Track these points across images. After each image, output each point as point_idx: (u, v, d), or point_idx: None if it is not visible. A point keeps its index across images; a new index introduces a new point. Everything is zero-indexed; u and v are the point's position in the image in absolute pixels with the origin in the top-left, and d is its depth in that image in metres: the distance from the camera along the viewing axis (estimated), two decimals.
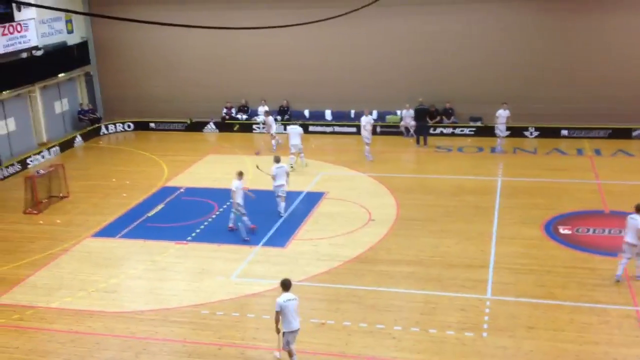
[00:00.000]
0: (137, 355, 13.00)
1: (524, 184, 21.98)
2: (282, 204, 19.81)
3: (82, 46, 30.82)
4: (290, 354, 12.16)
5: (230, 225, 18.85)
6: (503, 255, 16.68)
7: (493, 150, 25.65)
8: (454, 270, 16.00)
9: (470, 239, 17.73)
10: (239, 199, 18.00)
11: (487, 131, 27.61)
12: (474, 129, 28.07)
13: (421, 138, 27.01)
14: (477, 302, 14.51)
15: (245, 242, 17.89)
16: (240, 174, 18.31)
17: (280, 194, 19.76)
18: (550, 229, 18.19)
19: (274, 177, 19.61)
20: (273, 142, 26.23)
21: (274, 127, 26.45)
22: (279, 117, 30.03)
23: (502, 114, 25.45)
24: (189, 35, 29.59)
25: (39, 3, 25.85)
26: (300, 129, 24.30)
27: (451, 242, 17.59)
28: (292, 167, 23.78)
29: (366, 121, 24.80)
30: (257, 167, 21.10)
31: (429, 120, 28.11)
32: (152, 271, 16.65)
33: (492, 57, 27.86)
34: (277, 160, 20.08)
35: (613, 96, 26.77)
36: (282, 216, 19.69)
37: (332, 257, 16.99)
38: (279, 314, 11.84)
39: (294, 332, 12.00)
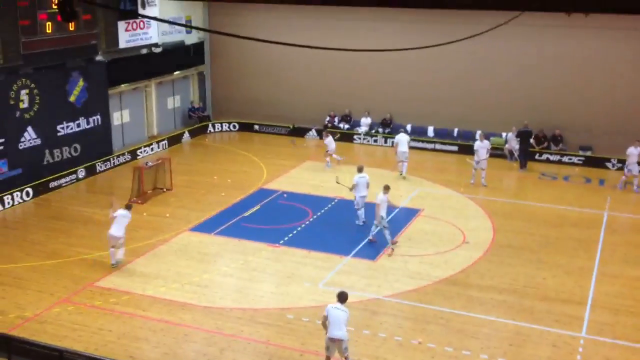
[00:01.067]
0: (222, 351, 13.30)
1: (631, 220, 20.86)
2: (361, 212, 19.96)
3: (198, 46, 32.04)
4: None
5: (371, 237, 18.75)
6: (603, 294, 15.88)
7: (620, 186, 23.99)
8: (548, 304, 15.38)
9: (568, 273, 17.00)
10: (382, 212, 18.10)
11: (596, 161, 26.47)
12: (582, 159, 26.93)
13: (521, 162, 26.30)
14: (571, 339, 13.88)
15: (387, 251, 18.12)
16: (386, 188, 18.43)
17: (360, 206, 19.85)
18: None
19: (353, 187, 19.69)
20: (327, 159, 25.90)
21: (333, 147, 25.92)
22: (380, 130, 30.04)
23: (634, 152, 23.49)
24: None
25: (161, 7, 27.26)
26: (408, 137, 25.01)
27: (548, 274, 16.92)
28: (403, 176, 24.62)
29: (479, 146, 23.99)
30: (337, 180, 20.92)
31: (535, 144, 27.28)
32: (244, 270, 17.02)
33: (610, 87, 26.64)
34: (360, 169, 20.07)
35: None
36: (361, 224, 19.79)
37: (422, 275, 16.76)
38: (325, 319, 12.05)
39: (332, 340, 12.00)
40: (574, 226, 20.27)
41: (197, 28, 32.13)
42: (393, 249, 18.03)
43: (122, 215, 16.88)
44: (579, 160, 26.94)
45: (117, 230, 16.73)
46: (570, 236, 19.48)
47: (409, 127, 29.96)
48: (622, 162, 25.57)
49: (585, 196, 23.28)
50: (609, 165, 26.48)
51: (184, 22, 30.73)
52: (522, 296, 15.74)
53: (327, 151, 26.04)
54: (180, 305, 15.11)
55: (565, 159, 27.08)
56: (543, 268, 17.27)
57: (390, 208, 19.38)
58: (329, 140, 26.12)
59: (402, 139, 24.70)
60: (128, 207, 17.38)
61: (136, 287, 15.99)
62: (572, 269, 17.22)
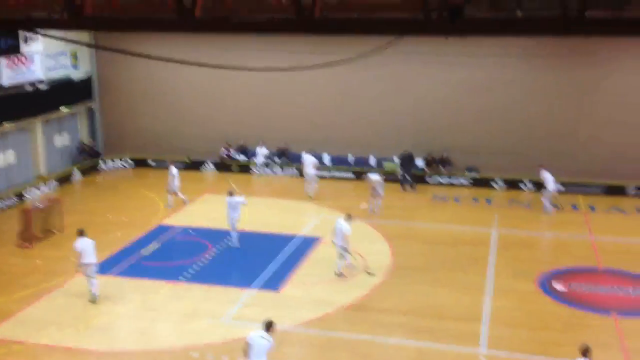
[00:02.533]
0: None
1: (519, 236, 22.04)
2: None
3: (86, 81, 31.14)
4: None
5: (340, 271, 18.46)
6: (498, 309, 16.63)
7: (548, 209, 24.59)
8: (447, 322, 15.93)
9: (464, 290, 17.70)
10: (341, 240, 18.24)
11: (482, 182, 27.90)
12: (471, 180, 28.25)
13: (406, 185, 27.49)
14: (471, 356, 14.41)
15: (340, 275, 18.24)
16: (348, 216, 18.55)
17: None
18: (545, 284, 18.18)
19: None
20: (170, 197, 25.00)
21: (176, 183, 24.88)
22: (277, 159, 30.26)
23: (547, 176, 24.63)
24: (190, 74, 29.82)
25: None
26: (312, 159, 26.11)
27: (444, 292, 17.55)
28: (309, 196, 25.63)
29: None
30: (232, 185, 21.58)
31: (425, 167, 28.49)
32: (144, 310, 16.53)
33: (492, 109, 28.20)
34: (230, 194, 20.79)
35: (609, 153, 27.08)
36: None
37: (327, 302, 16.92)
38: (247, 346, 11.91)
39: None
40: (466, 244, 21.18)
41: (89, 46, 31.18)
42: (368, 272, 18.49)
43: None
44: (467, 181, 28.23)
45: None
46: (463, 254, 20.32)
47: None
48: (507, 182, 27.30)
49: (475, 215, 24.40)
50: (494, 185, 27.92)
51: (69, 58, 29.85)
52: (422, 316, 16.21)
53: (169, 188, 24.73)
54: (79, 352, 14.45)
55: (454, 180, 28.31)
56: (440, 286, 17.89)
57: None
58: (175, 173, 24.67)
59: (305, 161, 26.14)
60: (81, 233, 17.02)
61: (29, 335, 15.14)
62: (467, 286, 17.94)
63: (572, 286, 18.03)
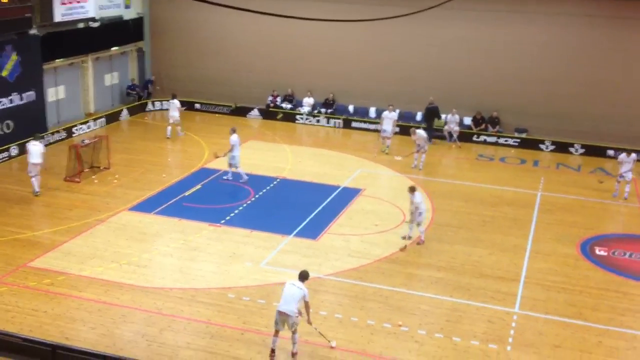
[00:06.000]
0: (161, 331, 13.18)
1: (564, 200, 21.60)
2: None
3: (138, 22, 31.28)
4: (276, 334, 12.30)
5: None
6: (536, 271, 16.43)
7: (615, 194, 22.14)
8: (484, 281, 15.82)
9: (504, 251, 17.50)
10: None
11: (530, 143, 27.32)
12: (518, 140, 27.66)
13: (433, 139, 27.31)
14: (505, 315, 14.32)
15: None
16: (412, 189, 17.51)
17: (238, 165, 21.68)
18: (587, 248, 17.84)
19: (231, 149, 21.40)
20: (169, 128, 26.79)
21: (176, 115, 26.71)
22: (323, 110, 30.11)
23: (625, 159, 21.71)
24: (242, 20, 29.72)
25: None
26: (392, 114, 26.02)
27: (484, 252, 17.38)
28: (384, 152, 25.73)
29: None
30: (217, 155, 22.36)
31: (473, 126, 28.02)
32: (184, 250, 16.85)
33: (544, 71, 27.39)
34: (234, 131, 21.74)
35: None
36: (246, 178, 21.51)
37: (363, 254, 16.96)
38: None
39: (280, 313, 12.10)
40: (509, 205, 20.85)
41: None
42: (406, 246, 17.53)
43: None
44: (514, 142, 27.67)
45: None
46: (505, 215, 20.04)
47: (351, 108, 30.15)
48: (556, 143, 26.68)
49: (520, 177, 23.95)
50: (542, 147, 27.30)
51: (121, 1, 29.95)
52: (459, 273, 16.13)
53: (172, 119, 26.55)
54: (118, 286, 14.87)
55: (501, 140, 27.77)
56: (479, 246, 17.73)
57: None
58: (178, 104, 26.69)
59: (385, 116, 25.95)
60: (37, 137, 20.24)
61: (72, 267, 15.63)
62: (507, 247, 17.73)
63: (614, 252, 17.66)
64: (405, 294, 15.05)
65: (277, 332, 12.31)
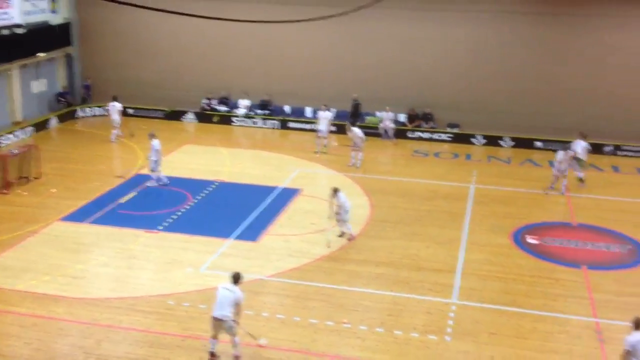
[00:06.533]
0: (99, 342, 12.92)
1: (496, 192, 22.22)
2: None
3: (65, 27, 30.46)
4: (214, 336, 12.25)
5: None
6: (471, 262, 16.86)
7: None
8: (422, 274, 16.14)
9: (440, 244, 17.90)
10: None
11: (463, 138, 27.97)
12: (451, 135, 28.30)
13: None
14: (443, 306, 14.66)
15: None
16: (335, 191, 17.55)
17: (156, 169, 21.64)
18: (519, 237, 18.42)
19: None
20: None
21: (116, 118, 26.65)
22: (259, 111, 30.06)
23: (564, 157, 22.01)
24: (174, 22, 29.28)
25: None
26: (330, 114, 26.21)
27: (422, 246, 17.73)
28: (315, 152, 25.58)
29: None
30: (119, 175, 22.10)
31: (407, 122, 28.50)
32: (121, 259, 16.55)
33: (474, 66, 28.11)
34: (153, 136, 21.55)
35: (589, 111, 27.19)
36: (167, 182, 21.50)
37: (303, 253, 17.04)
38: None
39: (213, 318, 12.05)
40: (444, 199, 21.33)
41: None
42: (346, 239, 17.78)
43: None
44: (447, 137, 28.30)
45: None
46: (441, 209, 20.48)
47: (287, 109, 30.20)
48: (487, 137, 27.49)
49: (454, 171, 24.53)
50: (474, 141, 28.02)
51: (47, 3, 29.13)
52: (398, 268, 16.41)
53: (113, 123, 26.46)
54: (53, 299, 14.48)
55: (435, 136, 28.35)
56: (417, 240, 18.08)
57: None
58: (119, 107, 26.56)
59: (320, 116, 25.99)
60: None
61: (4, 282, 15.12)
62: (443, 240, 18.14)
63: (545, 240, 18.30)
64: (347, 291, 15.21)
65: (214, 336, 12.24)
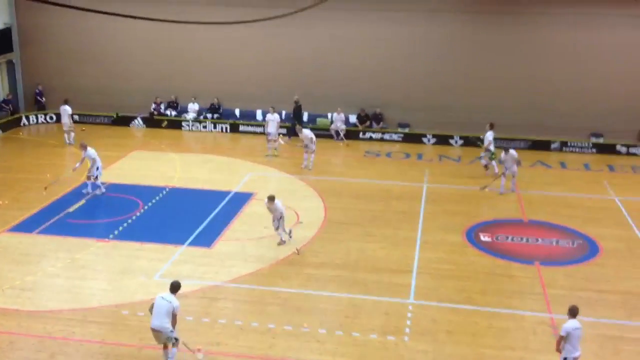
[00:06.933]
0: (53, 355, 12.54)
1: (448, 191, 22.51)
2: None
3: (5, 32, 29.54)
4: (164, 347, 12.05)
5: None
6: (426, 261, 17.02)
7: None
8: (379, 274, 16.21)
9: (395, 244, 18.01)
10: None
11: (414, 137, 28.26)
12: (402, 135, 28.56)
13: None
14: (400, 306, 14.74)
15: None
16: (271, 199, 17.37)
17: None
18: (472, 235, 18.69)
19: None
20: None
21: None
22: (209, 115, 29.76)
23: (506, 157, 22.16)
24: (118, 26, 28.67)
25: None
26: (277, 117, 26.06)
27: (377, 247, 17.81)
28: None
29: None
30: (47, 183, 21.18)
31: (358, 123, 28.62)
32: (72, 269, 16.12)
33: (422, 65, 28.41)
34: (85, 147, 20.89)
35: (534, 108, 27.82)
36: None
37: (259, 258, 16.91)
38: (151, 307, 12.00)
39: (152, 329, 11.84)
40: (397, 199, 21.48)
41: None
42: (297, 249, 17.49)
43: None
44: (398, 137, 28.54)
45: None
46: (394, 209, 20.62)
47: (237, 112, 29.98)
48: (437, 136, 27.84)
49: (406, 170, 24.75)
50: (425, 140, 28.34)
51: None
52: (354, 270, 16.43)
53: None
54: (2, 312, 13.99)
55: (386, 136, 28.55)
56: (372, 241, 18.14)
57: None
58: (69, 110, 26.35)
59: (268, 119, 25.90)
60: None
61: None
62: (398, 240, 18.26)
63: (498, 237, 18.62)
64: (304, 295, 15.16)
65: (164, 345, 12.02)
